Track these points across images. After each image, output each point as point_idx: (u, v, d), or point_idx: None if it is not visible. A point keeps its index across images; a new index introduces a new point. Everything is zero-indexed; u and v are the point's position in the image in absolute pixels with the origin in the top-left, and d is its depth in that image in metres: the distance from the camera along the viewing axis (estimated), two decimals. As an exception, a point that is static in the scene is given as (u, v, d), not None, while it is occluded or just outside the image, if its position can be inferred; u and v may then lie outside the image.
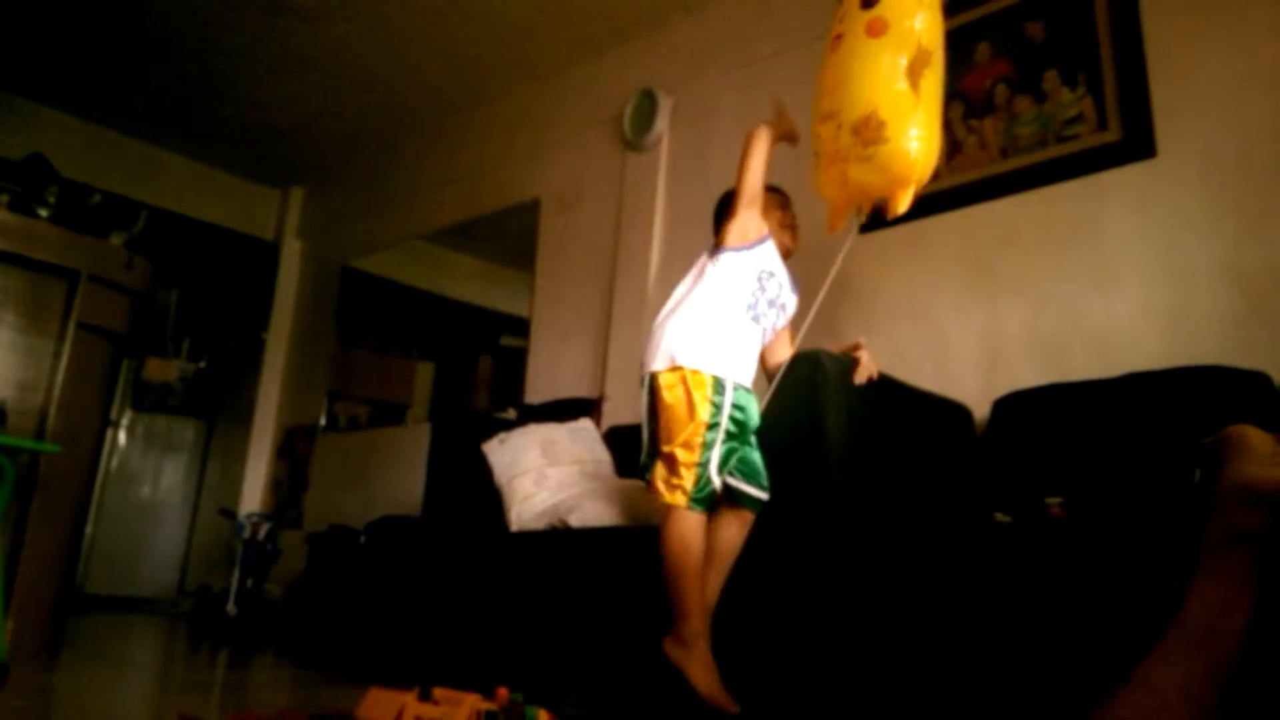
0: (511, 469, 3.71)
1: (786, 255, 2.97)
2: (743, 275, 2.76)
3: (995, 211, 3.50)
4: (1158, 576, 1.44)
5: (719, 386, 2.55)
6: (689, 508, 2.44)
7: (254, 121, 6.58)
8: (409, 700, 2.06)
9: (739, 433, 2.57)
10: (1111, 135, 3.26)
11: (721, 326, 2.68)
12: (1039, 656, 2.16)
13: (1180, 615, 1.05)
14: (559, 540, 3.33)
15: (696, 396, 2.52)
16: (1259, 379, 2.62)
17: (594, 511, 3.31)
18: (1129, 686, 1.03)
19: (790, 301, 2.96)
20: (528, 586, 3.35)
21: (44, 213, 3.94)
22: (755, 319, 2.76)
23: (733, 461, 2.55)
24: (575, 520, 3.31)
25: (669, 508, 2.48)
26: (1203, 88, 3.11)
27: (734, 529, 2.57)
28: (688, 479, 2.45)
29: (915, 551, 2.47)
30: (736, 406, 2.56)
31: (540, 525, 3.46)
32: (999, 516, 2.45)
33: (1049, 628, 2.19)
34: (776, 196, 3.07)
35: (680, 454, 2.49)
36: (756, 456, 2.63)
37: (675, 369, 2.60)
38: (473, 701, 2.06)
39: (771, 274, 2.83)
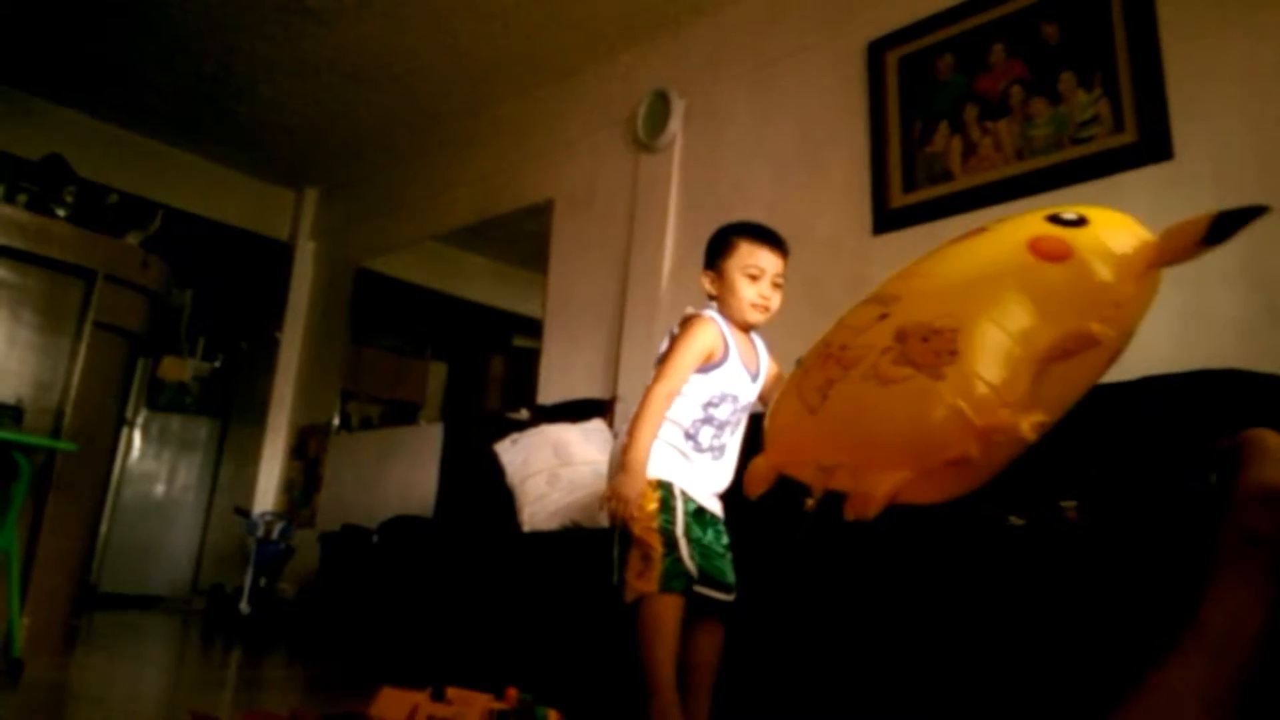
0: (524, 469, 3.72)
1: (745, 329, 2.63)
2: (685, 403, 2.52)
3: (1010, 213, 3.49)
4: (1173, 580, 1.43)
5: (665, 487, 2.42)
6: (659, 592, 2.31)
7: (269, 122, 6.60)
8: (421, 700, 2.07)
9: (697, 527, 2.44)
10: (1127, 137, 3.25)
11: (661, 450, 2.48)
12: (1053, 660, 2.15)
13: (1196, 619, 1.05)
14: (572, 541, 3.33)
15: (646, 499, 2.40)
16: (1277, 382, 2.61)
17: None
18: (1144, 690, 1.02)
19: (748, 400, 2.60)
20: (540, 587, 3.35)
21: (61, 212, 3.97)
22: (698, 448, 2.51)
23: (698, 555, 2.40)
24: (588, 521, 3.31)
25: (640, 598, 2.33)
26: (1219, 89, 3.10)
27: (706, 645, 2.44)
28: (658, 567, 2.32)
29: (928, 554, 2.47)
30: (687, 501, 2.43)
31: (553, 525, 3.46)
32: (1013, 519, 2.45)
33: (1063, 631, 2.18)
34: (755, 260, 2.56)
35: (647, 544, 2.36)
36: (722, 561, 2.48)
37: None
38: (485, 702, 2.06)
39: (725, 397, 2.53)
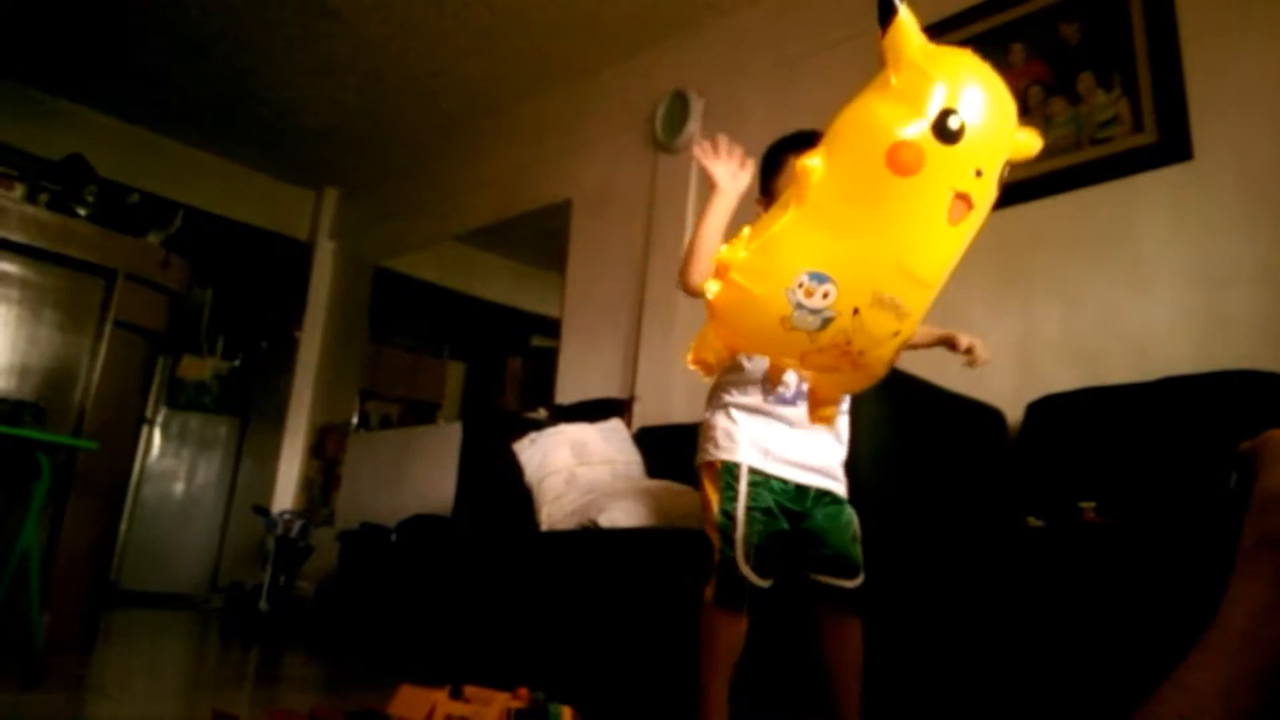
0: (542, 469, 3.72)
1: None
2: (742, 357, 2.26)
3: (1029, 214, 3.48)
4: (1193, 581, 1.43)
5: (729, 470, 2.18)
6: (713, 604, 2.13)
7: (289, 123, 6.62)
8: (440, 698, 2.07)
9: (772, 519, 2.17)
10: (1147, 137, 3.24)
11: (728, 415, 2.26)
12: (1072, 661, 2.14)
13: (1216, 620, 1.04)
14: (589, 540, 3.33)
15: (710, 488, 2.21)
16: (1296, 383, 2.60)
17: (624, 512, 3.31)
18: (1165, 691, 1.02)
19: None
20: (558, 586, 3.36)
21: (82, 212, 3.99)
22: (780, 399, 2.21)
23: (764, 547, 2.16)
24: (605, 521, 3.31)
25: (704, 604, 2.16)
26: (1240, 89, 3.08)
27: (839, 643, 2.18)
28: (714, 570, 2.14)
29: (947, 554, 2.47)
30: (758, 488, 2.17)
31: (570, 525, 3.46)
32: (1031, 520, 2.44)
33: (1083, 632, 2.18)
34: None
35: (710, 541, 2.19)
36: (834, 542, 2.20)
37: (697, 468, 2.30)
38: (503, 700, 2.07)
39: None
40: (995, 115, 1.54)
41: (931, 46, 1.53)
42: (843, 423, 2.31)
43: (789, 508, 2.19)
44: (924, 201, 1.51)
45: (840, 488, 2.26)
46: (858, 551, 2.21)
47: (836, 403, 1.89)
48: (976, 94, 1.51)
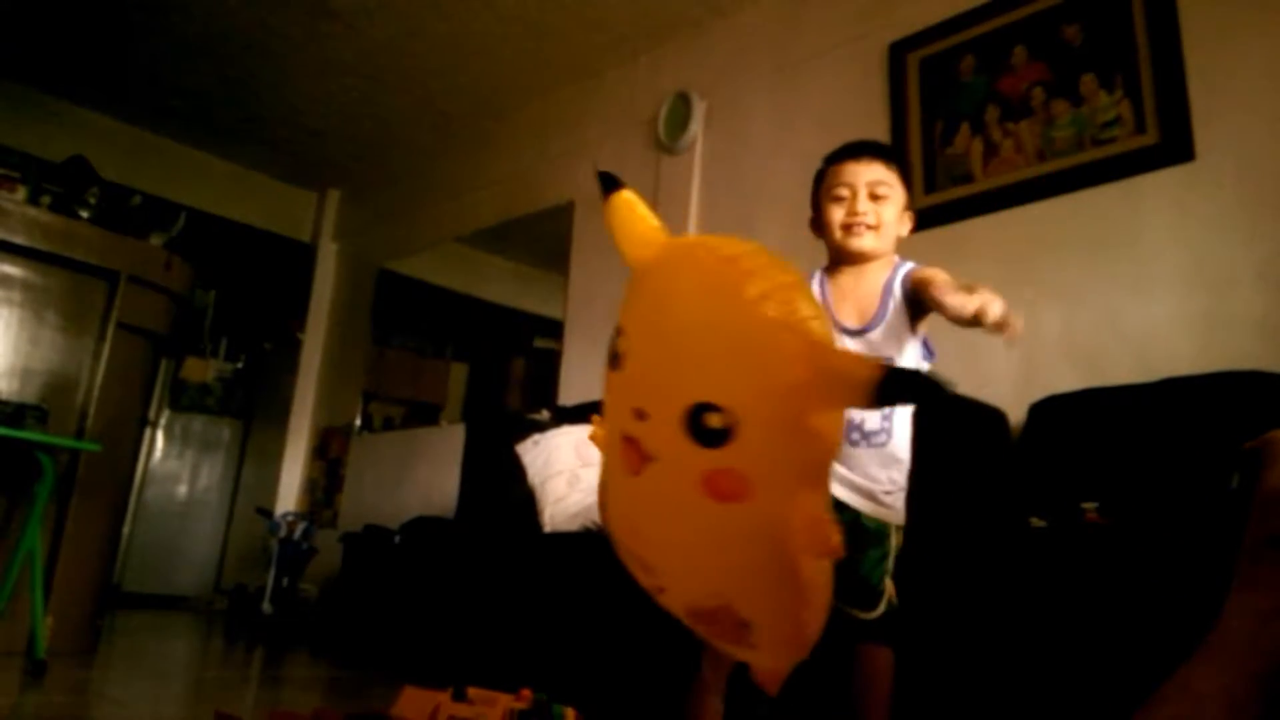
0: (545, 470, 3.72)
1: (858, 263, 2.16)
2: None
3: (1032, 215, 3.48)
4: (1195, 582, 1.43)
5: None
6: None
7: (292, 124, 6.63)
8: (443, 700, 2.07)
9: None
10: (1149, 138, 3.23)
11: None
12: (1075, 661, 2.14)
13: (1219, 621, 1.04)
14: (592, 542, 3.33)
15: None
16: (1299, 384, 2.60)
17: (627, 513, 3.30)
18: (1167, 691, 1.02)
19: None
20: (561, 588, 3.36)
21: (85, 214, 4.00)
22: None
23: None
24: (608, 522, 3.31)
25: None
26: (1241, 91, 3.08)
27: (861, 669, 2.08)
28: None
29: (949, 556, 2.46)
30: None
31: (573, 527, 3.46)
32: (1034, 521, 2.44)
33: (1085, 632, 2.18)
34: (838, 179, 2.18)
35: None
36: (859, 571, 2.03)
37: None
38: (506, 702, 2.07)
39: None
40: (670, 343, 1.10)
41: (659, 235, 1.21)
42: (898, 436, 2.14)
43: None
44: (608, 436, 1.22)
45: (882, 512, 2.10)
46: (879, 579, 2.07)
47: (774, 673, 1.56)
48: (651, 308, 1.14)
